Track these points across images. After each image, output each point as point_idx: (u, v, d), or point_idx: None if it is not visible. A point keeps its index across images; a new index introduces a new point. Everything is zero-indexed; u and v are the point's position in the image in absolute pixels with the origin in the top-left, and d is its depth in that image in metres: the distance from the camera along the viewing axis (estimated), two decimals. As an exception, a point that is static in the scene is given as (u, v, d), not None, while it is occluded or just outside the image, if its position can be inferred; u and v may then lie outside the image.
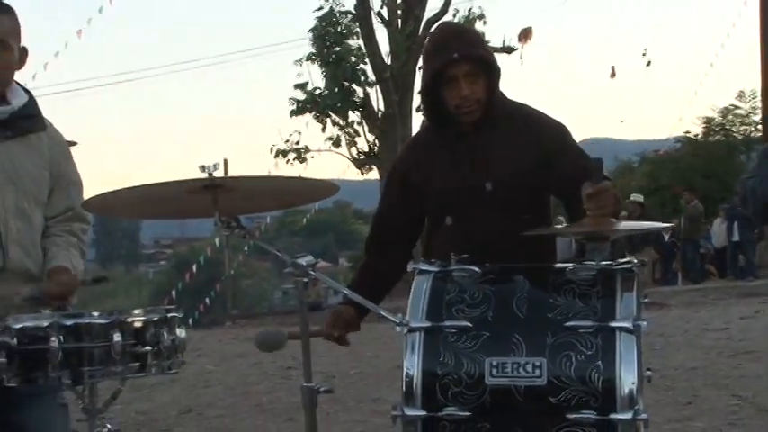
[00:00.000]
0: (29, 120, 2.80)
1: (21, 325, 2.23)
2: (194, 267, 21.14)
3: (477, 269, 2.44)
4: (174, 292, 20.41)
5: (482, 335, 2.31)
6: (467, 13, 19.23)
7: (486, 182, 2.83)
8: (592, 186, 2.42)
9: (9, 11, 2.73)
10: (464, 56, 2.76)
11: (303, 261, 2.34)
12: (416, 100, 18.51)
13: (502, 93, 2.90)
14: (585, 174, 2.48)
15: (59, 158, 2.90)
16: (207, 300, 20.03)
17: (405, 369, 2.32)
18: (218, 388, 7.25)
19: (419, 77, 17.40)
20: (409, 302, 2.42)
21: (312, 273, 2.35)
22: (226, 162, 22.52)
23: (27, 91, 2.85)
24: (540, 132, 2.87)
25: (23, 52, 2.78)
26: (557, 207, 3.08)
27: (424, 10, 18.32)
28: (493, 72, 2.83)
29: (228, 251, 22.91)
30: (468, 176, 2.85)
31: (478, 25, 19.15)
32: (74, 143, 6.77)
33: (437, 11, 18.51)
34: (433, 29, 3.18)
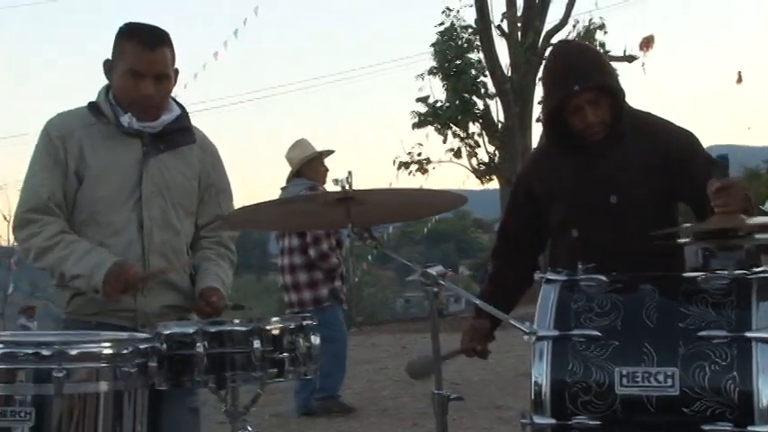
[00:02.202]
0: (180, 133, 2.89)
1: (169, 331, 2.30)
2: (321, 276, 21.40)
3: (604, 278, 2.39)
4: (302, 300, 20.69)
5: (611, 344, 2.27)
6: (587, 24, 18.88)
7: (611, 195, 2.78)
8: (719, 181, 2.33)
9: (169, 41, 2.83)
10: (585, 87, 2.72)
11: (433, 271, 2.35)
12: (536, 111, 18.32)
13: (626, 103, 2.84)
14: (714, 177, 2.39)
15: (209, 169, 2.98)
16: (332, 307, 20.27)
17: (533, 377, 2.29)
18: (345, 393, 7.33)
19: (539, 89, 17.24)
20: (537, 311, 2.39)
21: (442, 282, 2.36)
22: (350, 174, 22.71)
23: (179, 104, 2.94)
24: (668, 141, 2.80)
25: (176, 73, 2.89)
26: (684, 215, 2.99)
27: (543, 22, 18.10)
28: (617, 93, 2.77)
29: (353, 260, 23.16)
30: (592, 189, 2.81)
31: (599, 35, 18.77)
32: (331, 151, 7.06)
33: (557, 22, 18.27)
34: (550, 52, 3.10)
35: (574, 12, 18.43)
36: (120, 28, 2.85)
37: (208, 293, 2.82)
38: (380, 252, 2.77)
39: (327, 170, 6.88)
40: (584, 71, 2.75)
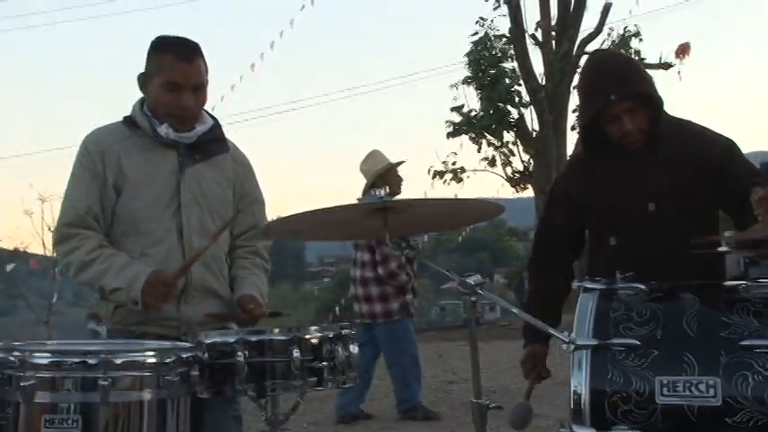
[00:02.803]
0: (214, 143, 2.93)
1: (211, 340, 2.32)
2: (357, 284, 21.45)
3: (643, 287, 2.36)
4: (337, 308, 20.80)
5: (651, 353, 2.23)
6: (622, 32, 18.72)
7: (649, 202, 2.75)
8: (762, 189, 2.29)
9: (201, 52, 2.87)
10: (622, 97, 2.69)
11: (471, 280, 2.35)
12: (571, 119, 18.19)
13: (664, 111, 2.81)
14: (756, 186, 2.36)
15: (243, 179, 3.02)
16: (369, 315, 20.30)
17: (572, 387, 2.27)
18: (384, 401, 7.33)
19: (573, 97, 17.13)
20: (575, 320, 2.37)
21: (480, 291, 2.35)
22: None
23: (212, 116, 2.98)
24: (706, 148, 2.76)
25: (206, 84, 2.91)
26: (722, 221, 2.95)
27: (578, 30, 17.98)
28: (654, 102, 2.75)
29: (389, 269, 23.12)
30: (630, 197, 2.78)
31: (634, 43, 18.60)
32: (402, 162, 7.13)
33: (591, 30, 18.14)
34: (586, 61, 3.08)
35: (608, 20, 18.30)
36: (153, 42, 2.89)
37: (245, 301, 2.85)
38: (416, 261, 2.77)
39: (402, 180, 6.95)
40: (621, 80, 2.73)
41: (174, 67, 2.79)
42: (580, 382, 2.26)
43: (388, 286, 6.72)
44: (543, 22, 18.06)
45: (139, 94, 2.91)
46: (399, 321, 6.78)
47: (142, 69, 2.89)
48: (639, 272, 2.42)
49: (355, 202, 2.41)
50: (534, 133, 18.54)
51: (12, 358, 2.07)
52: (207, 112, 2.97)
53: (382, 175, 6.74)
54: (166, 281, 2.69)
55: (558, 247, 3.01)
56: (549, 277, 3.02)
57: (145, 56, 2.90)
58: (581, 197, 2.90)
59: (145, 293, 2.65)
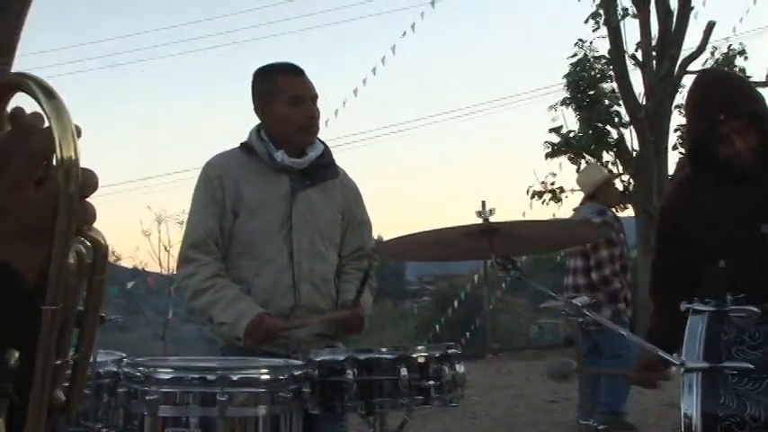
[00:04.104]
0: (325, 168, 2.99)
1: (321, 358, 2.35)
2: (455, 303, 21.39)
3: (755, 309, 2.27)
4: (437, 326, 20.73)
5: (766, 377, 2.14)
6: (726, 50, 18.12)
7: (762, 223, 2.64)
8: None
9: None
10: (731, 116, 2.60)
11: (578, 302, 2.30)
12: (672, 139, 17.72)
13: None
14: None
15: (351, 203, 3.07)
16: (467, 333, 20.18)
17: (683, 409, 2.19)
18: (484, 419, 7.24)
19: (675, 117, 16.62)
20: (684, 342, 2.29)
21: (587, 313, 2.30)
22: (483, 204, 22.60)
23: (321, 141, 3.04)
24: None
25: None
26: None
27: (680, 50, 17.48)
28: (765, 121, 2.64)
29: (487, 287, 22.97)
30: (741, 219, 2.67)
31: (739, 61, 17.98)
32: (619, 174, 7.13)
33: (694, 49, 17.65)
34: (693, 81, 2.99)
35: (712, 38, 17.75)
36: (259, 72, 3.00)
37: (347, 304, 2.90)
38: (514, 280, 2.73)
39: (619, 192, 6.91)
40: (730, 99, 2.64)
41: (294, 81, 2.91)
42: (690, 406, 2.18)
43: (600, 293, 6.52)
44: (644, 43, 17.65)
45: (244, 121, 3.01)
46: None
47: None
48: (751, 294, 2.33)
49: (462, 224, 2.39)
50: (634, 153, 18.14)
51: (137, 373, 2.15)
52: (317, 139, 3.02)
53: (600, 187, 6.65)
54: (268, 330, 2.73)
55: (674, 272, 2.93)
56: (668, 299, 2.93)
57: (250, 86, 3.00)
58: (689, 221, 2.81)
59: (247, 335, 2.71)
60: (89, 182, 0.79)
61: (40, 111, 0.77)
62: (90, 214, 0.81)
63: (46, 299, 0.77)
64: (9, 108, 0.82)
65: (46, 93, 0.76)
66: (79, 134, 0.77)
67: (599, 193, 6.55)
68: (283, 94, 2.90)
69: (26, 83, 0.78)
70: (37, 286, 0.78)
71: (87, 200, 0.80)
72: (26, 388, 0.80)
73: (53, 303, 0.78)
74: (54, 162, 0.77)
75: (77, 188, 0.77)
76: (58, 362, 0.81)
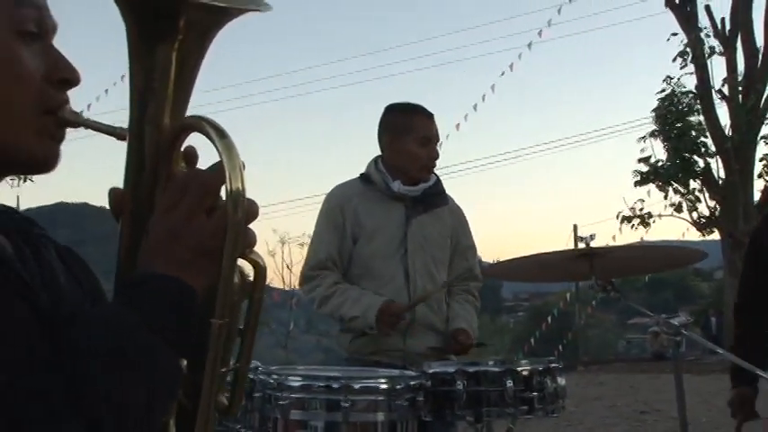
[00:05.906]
0: (437, 196, 3.02)
1: (433, 370, 2.34)
2: (549, 318, 21.04)
3: None
4: (532, 340, 20.42)
5: None
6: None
7: None
8: None
9: None
10: None
11: (676, 321, 2.21)
12: (758, 167, 17.02)
13: None
14: None
15: (458, 228, 3.08)
16: (560, 347, 19.83)
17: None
18: (579, 427, 7.05)
19: (761, 147, 15.92)
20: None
21: (685, 332, 2.21)
22: (575, 228, 22.21)
23: (434, 172, 3.04)
24: None
25: None
26: None
27: (765, 84, 16.79)
28: None
29: (578, 305, 22.46)
30: None
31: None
32: None
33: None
34: None
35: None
36: (395, 108, 3.03)
37: (457, 334, 2.91)
38: (603, 298, 2.65)
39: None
40: None
41: (427, 124, 2.96)
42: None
43: None
44: (729, 78, 17.02)
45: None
46: None
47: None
48: None
49: (557, 247, 2.35)
50: (720, 181, 17.46)
51: (271, 380, 2.18)
52: None
53: None
54: (394, 311, 2.79)
55: (759, 297, 2.80)
56: (755, 320, 2.80)
57: (380, 119, 3.04)
58: None
59: (378, 320, 2.76)
60: (252, 210, 0.81)
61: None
62: (252, 239, 0.83)
63: (215, 313, 0.80)
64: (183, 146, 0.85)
65: (218, 133, 0.79)
66: (244, 168, 0.80)
67: None
68: (416, 134, 2.93)
69: (201, 124, 0.81)
70: (205, 302, 0.81)
71: (249, 226, 0.82)
72: (194, 393, 0.82)
73: (220, 317, 0.80)
74: (223, 193, 0.80)
75: (244, 216, 0.79)
76: (223, 369, 0.83)
